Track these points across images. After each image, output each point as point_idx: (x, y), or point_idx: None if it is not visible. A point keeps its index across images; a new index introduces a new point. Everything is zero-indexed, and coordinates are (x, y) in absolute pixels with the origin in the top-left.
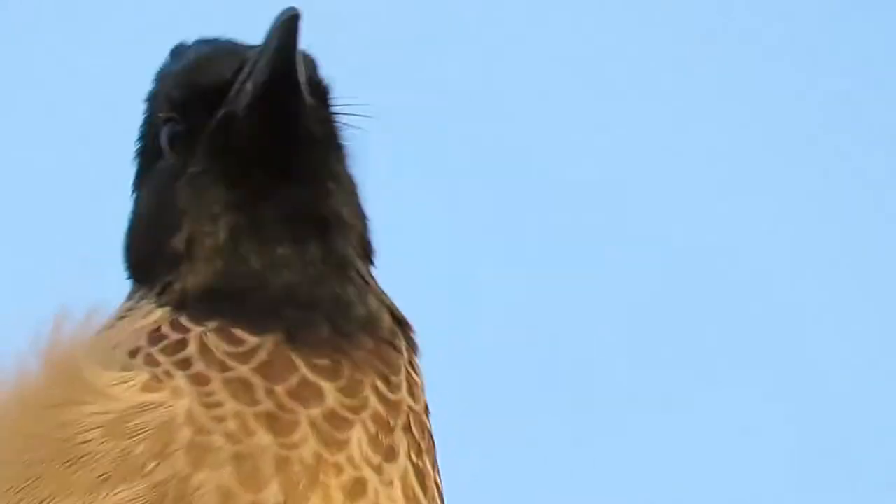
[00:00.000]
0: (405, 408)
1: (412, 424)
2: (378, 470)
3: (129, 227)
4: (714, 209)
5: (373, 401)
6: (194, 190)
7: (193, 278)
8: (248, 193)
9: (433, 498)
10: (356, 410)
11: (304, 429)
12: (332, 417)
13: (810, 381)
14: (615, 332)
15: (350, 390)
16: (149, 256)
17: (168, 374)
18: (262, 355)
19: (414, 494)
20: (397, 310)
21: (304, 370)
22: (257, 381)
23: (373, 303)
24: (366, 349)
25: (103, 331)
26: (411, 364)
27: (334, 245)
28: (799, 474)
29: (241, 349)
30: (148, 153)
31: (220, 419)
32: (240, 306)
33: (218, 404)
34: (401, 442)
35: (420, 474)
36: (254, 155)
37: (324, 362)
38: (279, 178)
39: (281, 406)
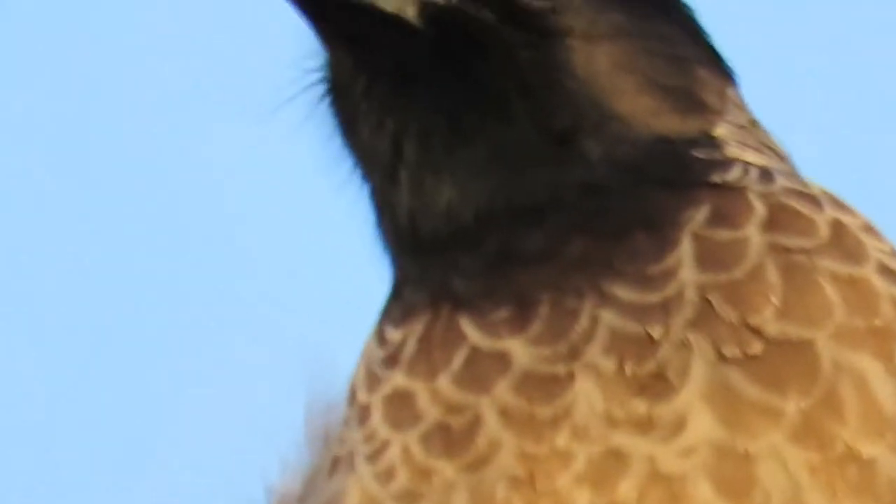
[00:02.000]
0: (688, 294)
1: (719, 305)
2: (644, 423)
3: None
4: None
5: (605, 322)
6: None
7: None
8: None
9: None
10: (572, 354)
11: (489, 427)
12: (530, 386)
13: None
14: None
15: (553, 331)
16: None
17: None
18: (410, 344)
19: (760, 414)
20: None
21: (474, 336)
22: (416, 385)
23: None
24: (578, 251)
25: None
26: (717, 215)
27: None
28: None
29: (388, 348)
30: None
31: (388, 474)
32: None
33: (383, 447)
34: (685, 353)
35: (766, 355)
36: None
37: (504, 311)
38: None
39: (451, 407)
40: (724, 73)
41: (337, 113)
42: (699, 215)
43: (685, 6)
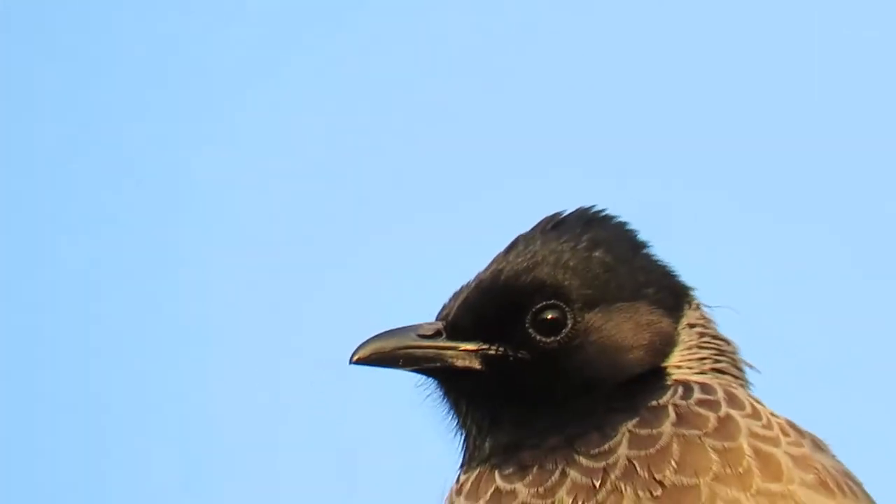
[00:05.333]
0: (620, 456)
1: (639, 468)
2: None
3: None
4: None
5: (570, 476)
6: None
7: None
8: None
9: None
10: (549, 493)
11: None
12: None
13: None
14: None
15: (539, 480)
16: None
17: None
18: (468, 485)
19: None
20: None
21: (498, 482)
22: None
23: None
24: (554, 446)
25: None
26: (649, 417)
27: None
28: None
29: (459, 486)
30: None
31: None
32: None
33: None
34: (613, 488)
35: (665, 492)
36: None
37: (514, 470)
38: None
39: None
40: (683, 296)
41: (447, 412)
42: (632, 422)
43: (644, 248)
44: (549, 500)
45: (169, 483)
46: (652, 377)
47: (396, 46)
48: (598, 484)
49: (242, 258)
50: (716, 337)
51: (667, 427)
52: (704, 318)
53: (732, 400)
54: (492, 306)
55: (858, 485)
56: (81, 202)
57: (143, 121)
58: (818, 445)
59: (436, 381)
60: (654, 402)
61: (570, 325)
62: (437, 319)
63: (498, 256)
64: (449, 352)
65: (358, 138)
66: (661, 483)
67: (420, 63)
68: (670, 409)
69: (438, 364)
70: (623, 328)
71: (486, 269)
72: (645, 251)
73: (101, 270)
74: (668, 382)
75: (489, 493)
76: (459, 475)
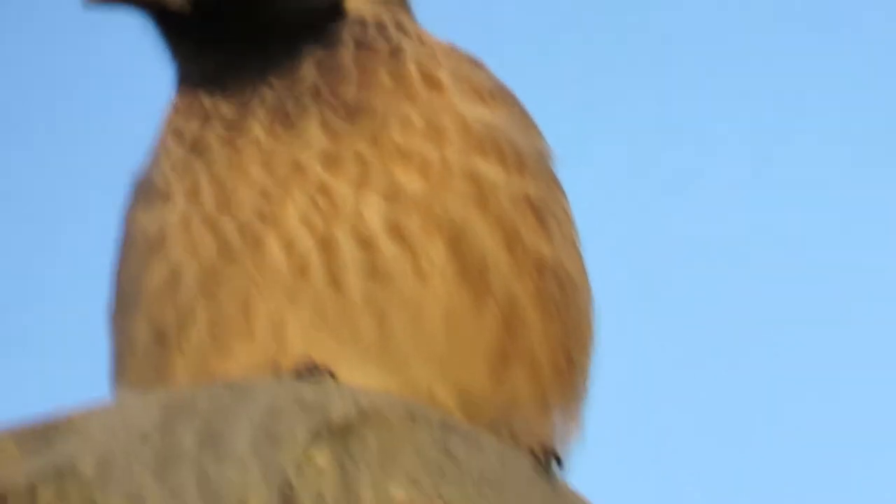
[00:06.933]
0: (308, 80)
1: (324, 91)
2: (284, 138)
3: None
4: None
5: (266, 98)
6: None
7: None
8: None
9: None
10: (251, 112)
11: (209, 140)
12: (230, 126)
13: None
14: None
15: (240, 101)
16: None
17: None
18: (182, 106)
19: (328, 128)
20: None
21: (206, 103)
22: (183, 125)
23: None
24: (252, 73)
25: None
26: (334, 41)
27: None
28: None
29: (173, 106)
30: None
31: (172, 163)
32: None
33: (167, 149)
34: (302, 106)
35: (347, 110)
36: None
37: (216, 92)
38: None
39: (196, 137)
40: None
41: (163, 45)
42: (318, 51)
43: None
44: (250, 119)
45: None
46: (334, 13)
47: None
48: (290, 105)
49: None
50: None
51: (347, 54)
52: None
53: (401, 29)
54: None
55: (511, 94)
56: None
57: None
58: (476, 64)
59: (153, 18)
60: (335, 34)
61: None
62: None
63: None
64: None
65: None
66: (343, 103)
67: None
68: (349, 39)
69: (155, 5)
70: None
71: None
72: None
73: None
74: (348, 17)
75: (199, 114)
76: (175, 99)
